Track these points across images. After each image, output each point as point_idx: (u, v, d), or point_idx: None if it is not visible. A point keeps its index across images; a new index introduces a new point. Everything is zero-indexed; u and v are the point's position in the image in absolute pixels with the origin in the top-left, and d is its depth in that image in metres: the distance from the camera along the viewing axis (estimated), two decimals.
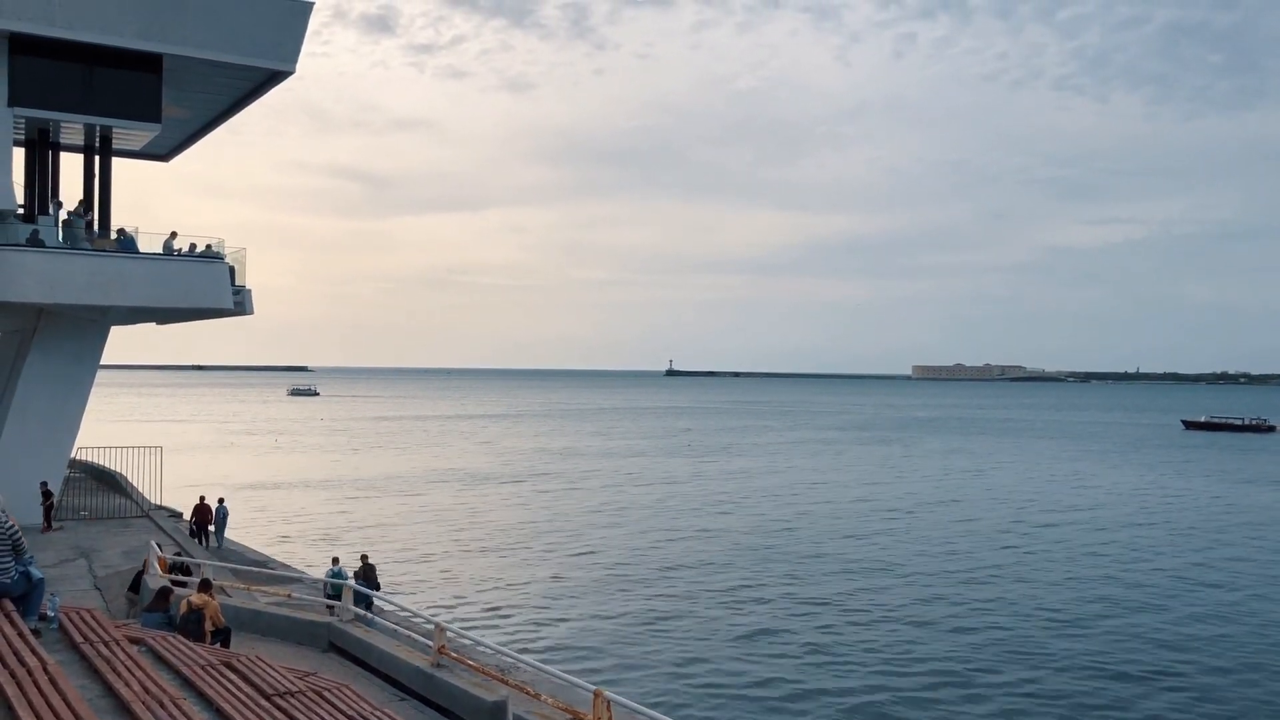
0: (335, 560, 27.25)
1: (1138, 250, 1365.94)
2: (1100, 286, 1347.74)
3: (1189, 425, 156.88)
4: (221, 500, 36.89)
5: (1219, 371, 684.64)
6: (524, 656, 17.96)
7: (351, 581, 23.69)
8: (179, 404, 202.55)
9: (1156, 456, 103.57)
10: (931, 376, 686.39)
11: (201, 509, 35.56)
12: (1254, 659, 29.90)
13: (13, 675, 9.09)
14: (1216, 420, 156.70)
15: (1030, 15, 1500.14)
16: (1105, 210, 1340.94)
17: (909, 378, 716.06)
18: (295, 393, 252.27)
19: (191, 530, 35.07)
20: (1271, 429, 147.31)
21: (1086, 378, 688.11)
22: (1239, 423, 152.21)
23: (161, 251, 31.86)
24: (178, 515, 38.93)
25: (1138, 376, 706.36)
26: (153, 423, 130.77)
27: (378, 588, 25.72)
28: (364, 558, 27.54)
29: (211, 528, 35.52)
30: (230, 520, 37.29)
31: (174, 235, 32.27)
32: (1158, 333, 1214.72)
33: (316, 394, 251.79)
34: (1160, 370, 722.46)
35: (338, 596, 22.58)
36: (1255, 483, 79.80)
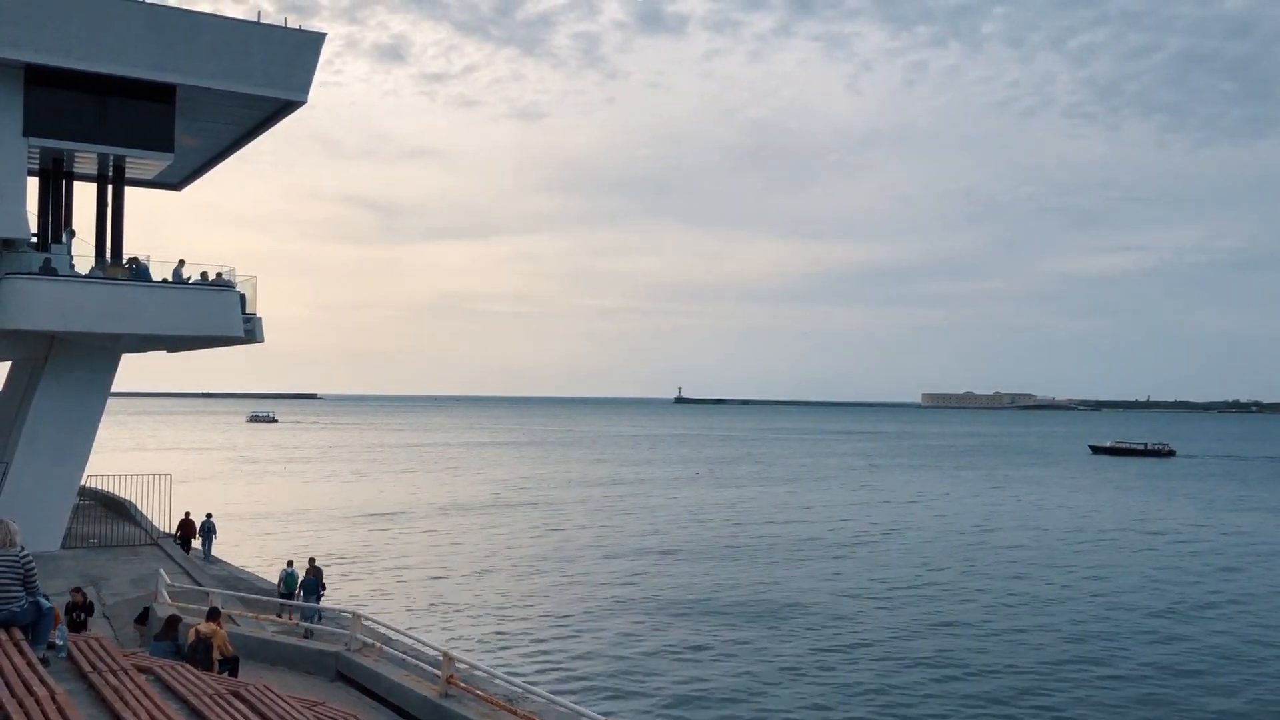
0: (290, 563, 29.37)
1: (1149, 278, 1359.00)
2: (1111, 315, 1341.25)
3: (1095, 450, 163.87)
4: (209, 516, 37.60)
5: (1230, 400, 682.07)
6: (532, 686, 17.86)
7: (301, 578, 27.35)
8: (137, 431, 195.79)
9: (1056, 476, 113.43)
10: (941, 405, 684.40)
11: (186, 524, 36.76)
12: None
13: (21, 705, 9.06)
14: (1121, 445, 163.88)
15: (1041, 43, 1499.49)
16: (1116, 238, 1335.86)
17: (919, 406, 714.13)
18: (254, 419, 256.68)
19: (176, 544, 36.01)
20: (1171, 453, 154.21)
21: (1097, 406, 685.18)
22: (1141, 447, 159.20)
23: (171, 279, 32.05)
24: (204, 551, 39.07)
25: (1148, 405, 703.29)
26: (110, 453, 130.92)
27: (323, 588, 27.71)
28: (311, 560, 28.80)
29: (196, 542, 36.38)
30: (239, 547, 37.42)
31: (182, 263, 32.46)
32: (1169, 361, 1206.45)
33: (275, 420, 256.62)
34: (1171, 399, 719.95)
35: (289, 595, 27.25)
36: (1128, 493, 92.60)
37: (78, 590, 21.89)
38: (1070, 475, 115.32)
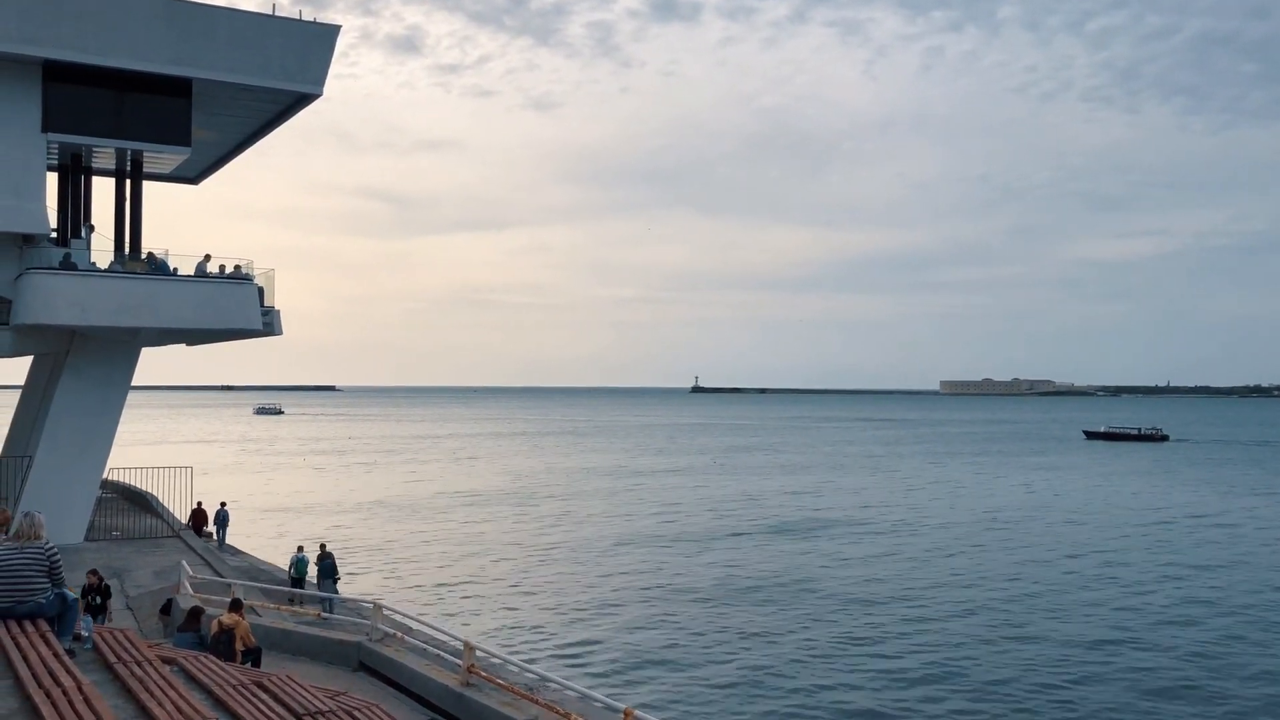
0: (300, 548, 30.37)
1: (1169, 263, 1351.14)
2: (1130, 300, 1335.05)
3: (1090, 435, 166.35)
4: (223, 504, 39.11)
5: (1252, 385, 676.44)
6: (553, 675, 17.92)
7: (313, 567, 28.96)
8: (150, 425, 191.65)
9: (1046, 462, 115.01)
10: (959, 392, 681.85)
11: (198, 513, 38.44)
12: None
13: (48, 695, 9.15)
14: (1115, 430, 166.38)
15: (1059, 27, 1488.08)
16: (1135, 223, 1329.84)
17: (937, 393, 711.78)
18: (261, 412, 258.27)
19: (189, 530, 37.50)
20: (1164, 438, 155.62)
21: (1117, 392, 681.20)
22: (1134, 432, 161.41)
23: (195, 274, 32.25)
24: (209, 535, 39.63)
25: (1168, 390, 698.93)
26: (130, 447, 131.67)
27: (337, 574, 29.19)
28: (323, 546, 30.20)
29: (209, 529, 37.95)
30: (258, 538, 37.96)
31: (208, 258, 32.63)
32: (1189, 346, 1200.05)
33: (281, 413, 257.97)
34: (1192, 384, 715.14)
35: (299, 580, 28.56)
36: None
37: (93, 572, 22.10)
38: (1060, 460, 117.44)
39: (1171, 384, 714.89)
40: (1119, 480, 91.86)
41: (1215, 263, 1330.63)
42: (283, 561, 34.18)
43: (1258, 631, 34.99)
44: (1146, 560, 49.44)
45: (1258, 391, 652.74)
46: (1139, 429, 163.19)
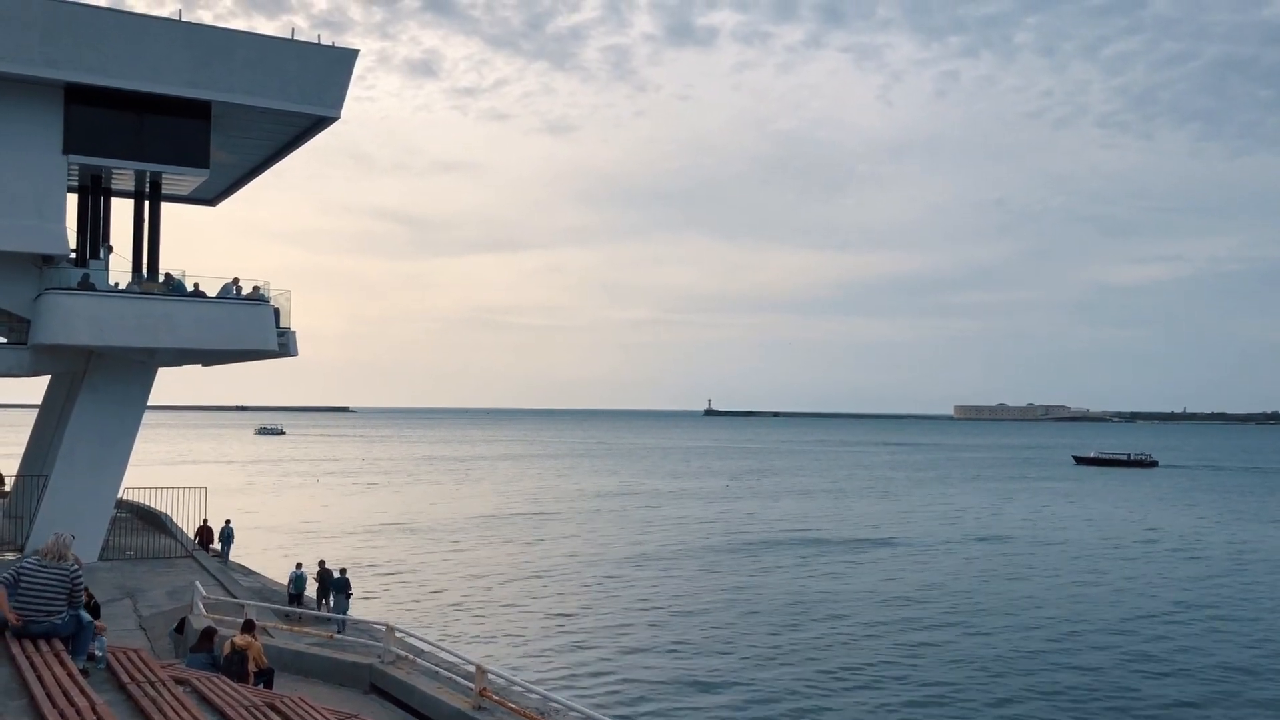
0: (298, 565, 31.42)
1: (1184, 288, 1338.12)
2: (1146, 325, 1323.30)
3: (1080, 460, 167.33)
4: (228, 522, 39.80)
5: (1269, 411, 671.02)
6: (565, 698, 17.85)
7: (312, 584, 29.87)
8: (153, 444, 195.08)
9: (1030, 487, 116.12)
10: (974, 417, 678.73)
11: (204, 531, 39.13)
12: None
13: (62, 715, 9.17)
14: (1104, 456, 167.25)
15: (1075, 52, 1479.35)
16: (1151, 248, 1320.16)
17: (951, 418, 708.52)
18: (263, 432, 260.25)
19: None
20: (1153, 464, 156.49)
21: (1132, 417, 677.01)
22: (1124, 458, 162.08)
23: (219, 295, 32.46)
24: (222, 555, 39.74)
25: (1184, 416, 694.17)
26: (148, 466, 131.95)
27: (350, 589, 29.56)
28: (321, 563, 30.96)
29: (215, 545, 38.41)
30: (269, 559, 38.00)
31: (236, 281, 32.84)
32: (1205, 372, 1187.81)
33: (283, 433, 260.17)
34: (1208, 410, 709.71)
35: (298, 596, 29.49)
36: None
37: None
38: (1042, 485, 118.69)
39: (1188, 410, 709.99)
40: (1091, 503, 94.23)
41: (1230, 288, 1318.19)
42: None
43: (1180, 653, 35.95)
44: (1084, 576, 51.81)
45: (1275, 418, 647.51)
46: (1128, 455, 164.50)
